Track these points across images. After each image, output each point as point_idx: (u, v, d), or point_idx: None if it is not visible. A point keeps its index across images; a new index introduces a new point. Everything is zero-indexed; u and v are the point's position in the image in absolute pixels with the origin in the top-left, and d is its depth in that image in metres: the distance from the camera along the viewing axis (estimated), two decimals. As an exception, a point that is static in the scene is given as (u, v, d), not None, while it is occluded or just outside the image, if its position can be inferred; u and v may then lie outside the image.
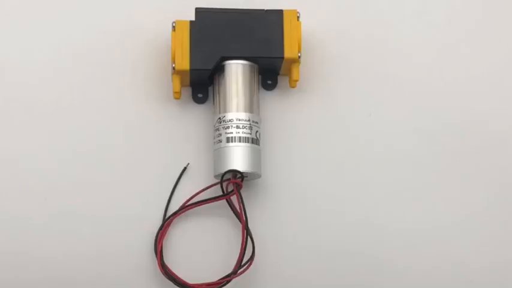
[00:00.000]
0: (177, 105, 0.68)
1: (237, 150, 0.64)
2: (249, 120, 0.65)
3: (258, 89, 0.67)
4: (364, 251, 0.66)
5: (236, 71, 0.65)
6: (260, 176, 0.65)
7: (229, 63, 0.66)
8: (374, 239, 0.66)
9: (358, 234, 0.66)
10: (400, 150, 0.68)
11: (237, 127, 0.64)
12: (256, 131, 0.65)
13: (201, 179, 0.66)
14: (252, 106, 0.65)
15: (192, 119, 0.68)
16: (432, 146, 0.68)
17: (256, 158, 0.65)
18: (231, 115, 0.65)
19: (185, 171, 0.67)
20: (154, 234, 0.64)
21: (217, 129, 0.65)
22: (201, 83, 0.67)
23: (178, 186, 0.67)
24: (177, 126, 0.68)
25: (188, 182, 0.67)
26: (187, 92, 0.68)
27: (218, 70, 0.66)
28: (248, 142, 0.64)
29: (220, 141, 0.65)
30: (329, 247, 0.66)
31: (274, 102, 0.69)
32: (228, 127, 0.65)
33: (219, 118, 0.65)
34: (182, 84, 0.66)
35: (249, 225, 0.63)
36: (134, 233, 0.65)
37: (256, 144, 0.65)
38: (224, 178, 0.63)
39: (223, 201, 0.64)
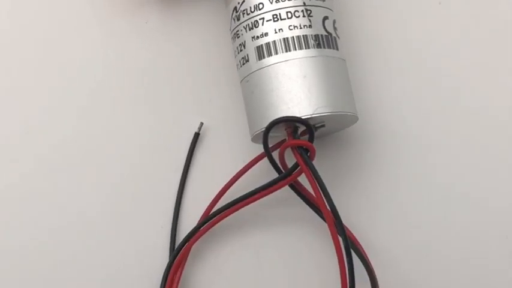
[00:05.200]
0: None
1: (287, 71, 0.34)
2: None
3: None
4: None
5: None
6: (357, 120, 0.38)
7: None
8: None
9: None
10: None
11: (276, 18, 0.34)
12: (325, 18, 0.35)
13: (231, 148, 0.40)
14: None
15: (192, 18, 0.42)
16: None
17: (341, 80, 0.36)
18: (257, -6, 0.36)
19: (199, 141, 0.40)
20: (160, 276, 0.39)
21: (237, 34, 0.36)
22: None
23: (191, 177, 0.40)
24: (162, 38, 0.42)
25: (207, 160, 0.40)
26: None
27: None
28: (308, 47, 0.34)
29: (246, 59, 0.36)
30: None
31: None
32: (254, 24, 0.35)
33: (235, 8, 0.36)
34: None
35: (344, 226, 0.37)
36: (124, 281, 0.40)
37: (332, 47, 0.35)
38: (272, 137, 0.36)
39: (286, 189, 0.38)
